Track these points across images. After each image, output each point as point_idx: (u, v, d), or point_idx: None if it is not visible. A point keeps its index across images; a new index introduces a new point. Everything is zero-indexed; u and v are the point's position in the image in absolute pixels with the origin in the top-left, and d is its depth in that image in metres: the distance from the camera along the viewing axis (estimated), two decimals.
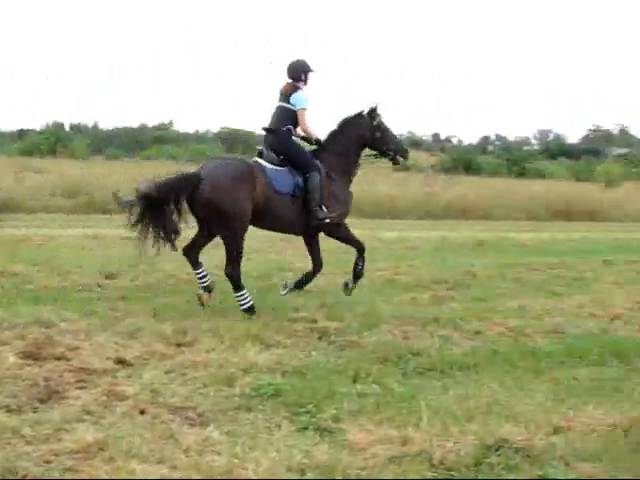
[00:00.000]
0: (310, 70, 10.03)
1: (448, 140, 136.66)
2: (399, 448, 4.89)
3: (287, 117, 9.80)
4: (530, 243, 19.40)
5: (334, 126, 10.31)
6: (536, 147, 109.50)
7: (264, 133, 10.05)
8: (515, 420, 5.48)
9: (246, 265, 10.10)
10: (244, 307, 8.92)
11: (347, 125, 10.24)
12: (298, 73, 9.95)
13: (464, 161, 60.31)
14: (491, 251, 16.97)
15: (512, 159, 64.40)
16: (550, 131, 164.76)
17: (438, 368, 6.97)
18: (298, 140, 10.15)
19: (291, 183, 9.55)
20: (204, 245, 9.51)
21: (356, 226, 21.62)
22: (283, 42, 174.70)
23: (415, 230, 22.38)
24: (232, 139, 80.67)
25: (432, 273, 12.62)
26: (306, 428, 5.29)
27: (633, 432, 5.32)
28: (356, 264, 10.07)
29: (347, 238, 10.27)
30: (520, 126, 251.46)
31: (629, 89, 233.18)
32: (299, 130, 9.98)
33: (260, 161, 9.59)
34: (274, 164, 9.58)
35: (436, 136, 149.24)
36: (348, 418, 5.49)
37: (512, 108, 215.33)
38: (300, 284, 10.04)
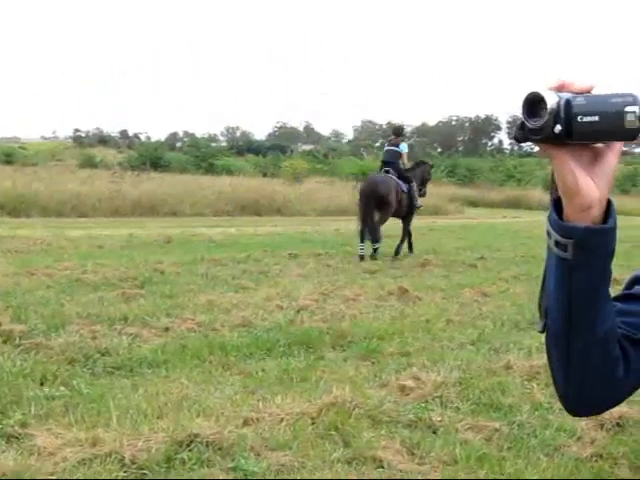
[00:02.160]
0: (404, 132, 19.82)
1: (136, 136, 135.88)
2: (90, 450, 4.80)
3: (397, 156, 17.79)
4: (218, 238, 19.62)
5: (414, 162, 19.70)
6: (224, 144, 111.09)
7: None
8: (206, 414, 5.54)
9: None
10: None
11: (421, 165, 19.39)
12: (399, 132, 18.82)
13: (152, 157, 60.25)
14: (180, 247, 17.03)
15: (200, 155, 64.97)
16: (237, 128, 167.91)
17: (127, 366, 6.92)
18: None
19: (405, 187, 17.30)
20: None
21: (41, 225, 21.32)
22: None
23: (102, 228, 22.08)
24: None
25: (120, 271, 12.47)
26: None
27: (320, 419, 5.52)
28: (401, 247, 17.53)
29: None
30: (208, 123, 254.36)
31: (314, 88, 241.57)
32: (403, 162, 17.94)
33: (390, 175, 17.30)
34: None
35: (124, 132, 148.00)
36: (36, 423, 5.33)
37: (200, 105, 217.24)
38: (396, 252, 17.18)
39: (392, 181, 16.93)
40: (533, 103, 1.30)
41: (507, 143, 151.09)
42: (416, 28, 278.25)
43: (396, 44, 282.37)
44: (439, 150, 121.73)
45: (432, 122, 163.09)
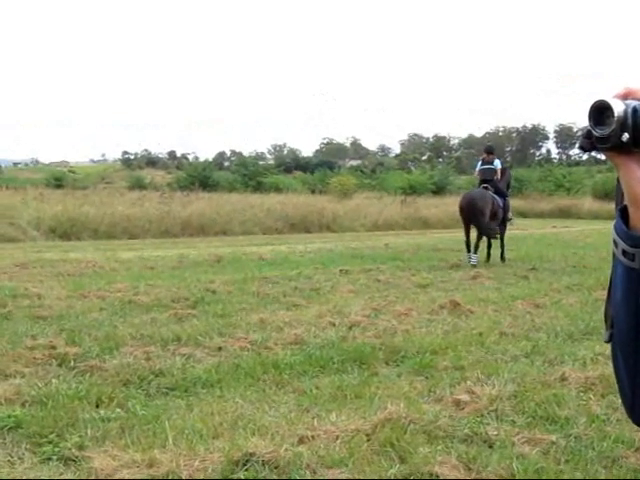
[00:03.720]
0: (494, 150, 20.54)
1: (184, 157, 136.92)
2: (147, 471, 4.82)
3: (493, 173, 18.87)
4: (268, 256, 19.66)
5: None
6: (271, 161, 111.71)
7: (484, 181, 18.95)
8: (261, 433, 5.54)
9: None
10: None
11: (505, 171, 19.95)
12: (491, 151, 19.86)
13: (201, 177, 60.63)
14: (230, 266, 17.08)
15: (248, 174, 65.21)
16: (284, 145, 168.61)
17: (182, 387, 6.94)
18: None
19: (501, 202, 18.48)
20: None
21: (92, 248, 21.52)
22: None
23: (153, 249, 22.26)
24: None
25: (172, 292, 12.55)
26: (49, 459, 5.13)
27: (375, 435, 5.50)
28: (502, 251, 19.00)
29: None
30: (255, 141, 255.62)
31: (359, 103, 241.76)
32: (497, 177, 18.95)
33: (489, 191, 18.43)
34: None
35: (172, 153, 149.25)
36: (92, 445, 5.37)
37: (246, 124, 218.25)
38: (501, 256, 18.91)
39: (488, 195, 18.40)
40: (600, 111, 1.29)
41: (555, 152, 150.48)
42: (461, 40, 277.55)
43: (441, 56, 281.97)
44: (480, 162, 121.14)
45: (479, 133, 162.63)
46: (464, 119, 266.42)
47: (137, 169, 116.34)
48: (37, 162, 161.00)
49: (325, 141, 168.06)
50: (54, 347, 8.24)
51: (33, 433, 5.59)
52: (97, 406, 6.30)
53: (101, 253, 19.87)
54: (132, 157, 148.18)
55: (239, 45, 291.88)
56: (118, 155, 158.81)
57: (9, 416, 5.87)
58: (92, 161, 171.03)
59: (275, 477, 4.80)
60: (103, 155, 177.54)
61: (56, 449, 5.28)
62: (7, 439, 5.52)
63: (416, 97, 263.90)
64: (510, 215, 19.73)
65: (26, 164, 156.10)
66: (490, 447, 5.44)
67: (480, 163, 19.67)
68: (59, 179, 66.59)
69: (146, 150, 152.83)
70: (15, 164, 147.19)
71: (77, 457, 5.14)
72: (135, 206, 32.36)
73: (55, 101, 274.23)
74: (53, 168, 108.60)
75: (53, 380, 7.02)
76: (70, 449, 5.27)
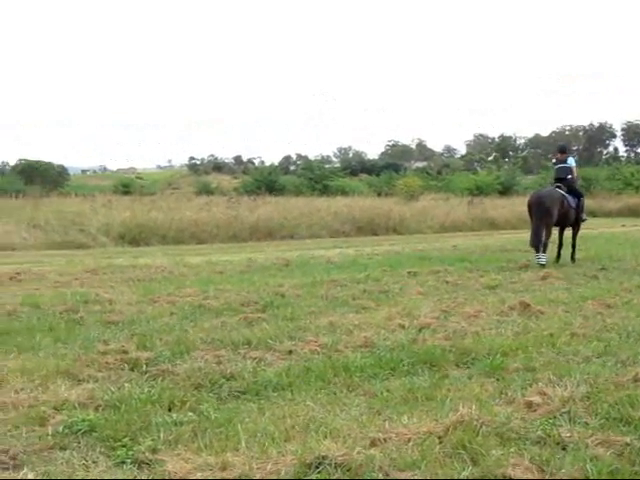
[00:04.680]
0: (567, 148, 20.98)
1: (250, 162, 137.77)
2: (220, 474, 4.85)
3: (568, 171, 18.86)
4: (336, 260, 19.67)
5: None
6: (337, 165, 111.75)
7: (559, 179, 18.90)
8: (333, 436, 5.54)
9: (52, 299, 10.57)
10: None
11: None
12: (565, 150, 20.19)
13: (267, 182, 60.93)
14: (298, 270, 17.13)
15: (314, 177, 65.32)
16: (350, 148, 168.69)
17: (253, 390, 6.97)
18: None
19: (574, 202, 18.47)
20: None
21: (161, 253, 21.73)
22: None
23: (221, 253, 22.43)
24: (30, 171, 79.20)
25: (241, 296, 12.62)
26: (123, 462, 5.18)
27: (447, 438, 5.47)
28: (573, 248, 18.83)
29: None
30: (320, 145, 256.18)
31: (424, 103, 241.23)
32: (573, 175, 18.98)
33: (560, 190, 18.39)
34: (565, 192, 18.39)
35: (238, 158, 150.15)
36: (165, 448, 5.41)
37: (311, 127, 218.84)
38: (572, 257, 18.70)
39: (557, 194, 18.34)
40: None
41: (623, 150, 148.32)
42: (525, 36, 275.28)
43: (504, 53, 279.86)
44: (554, 161, 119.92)
45: (545, 133, 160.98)
46: (530, 118, 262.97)
47: (203, 174, 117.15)
48: (105, 169, 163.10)
49: (391, 143, 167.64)
50: (126, 352, 8.34)
51: (107, 437, 5.66)
52: (169, 410, 6.35)
53: (170, 258, 20.07)
54: (198, 162, 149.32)
55: (306, 50, 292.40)
56: (184, 161, 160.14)
57: (83, 420, 5.94)
58: (159, 167, 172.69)
59: (348, 479, 4.80)
60: (169, 161, 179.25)
61: (130, 452, 5.33)
62: (82, 443, 5.59)
63: (481, 96, 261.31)
64: (584, 216, 19.42)
65: (94, 171, 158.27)
66: (563, 449, 5.37)
67: (554, 162, 19.77)
68: (127, 186, 67.47)
69: (212, 155, 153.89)
70: (83, 171, 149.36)
71: (151, 460, 5.19)
72: (202, 211, 32.62)
73: (120, 109, 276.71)
74: (121, 175, 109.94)
75: (126, 384, 7.10)
76: (143, 452, 5.31)
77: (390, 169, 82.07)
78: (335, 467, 4.89)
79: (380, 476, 4.82)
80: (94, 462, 5.20)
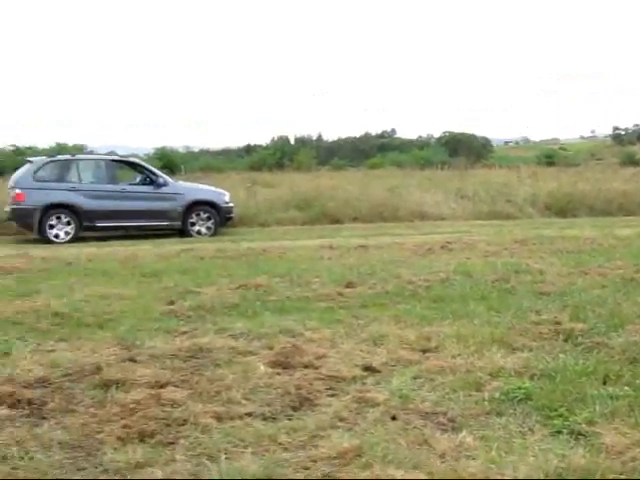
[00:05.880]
0: None
1: None
2: None
3: None
4: None
5: None
6: None
7: None
8: None
9: (483, 268, 10.78)
10: None
11: None
12: None
13: None
14: None
15: None
16: None
17: None
18: None
19: None
20: None
21: (589, 225, 21.39)
22: None
23: None
24: (455, 143, 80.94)
25: None
26: (560, 432, 5.21)
27: None
28: None
29: None
30: None
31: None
32: None
33: None
34: None
35: None
36: (602, 421, 5.36)
37: None
38: None
39: None
40: None
41: None
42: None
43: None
44: None
45: None
46: None
47: (628, 145, 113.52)
48: (528, 140, 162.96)
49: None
50: (559, 322, 8.33)
51: (542, 406, 5.71)
52: (604, 383, 6.27)
53: (598, 230, 19.65)
54: (622, 133, 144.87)
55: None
56: (608, 131, 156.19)
57: (519, 388, 6.05)
58: (582, 137, 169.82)
59: None
60: (593, 132, 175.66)
61: (566, 423, 5.35)
62: (517, 410, 5.68)
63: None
64: None
65: (516, 142, 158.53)
66: None
67: None
68: (550, 157, 66.90)
69: (637, 125, 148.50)
70: (506, 142, 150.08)
71: (587, 432, 5.17)
72: (630, 182, 31.59)
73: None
74: (543, 146, 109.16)
75: (560, 355, 7.09)
76: (580, 424, 5.31)
77: None
78: None
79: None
80: (530, 430, 5.28)
